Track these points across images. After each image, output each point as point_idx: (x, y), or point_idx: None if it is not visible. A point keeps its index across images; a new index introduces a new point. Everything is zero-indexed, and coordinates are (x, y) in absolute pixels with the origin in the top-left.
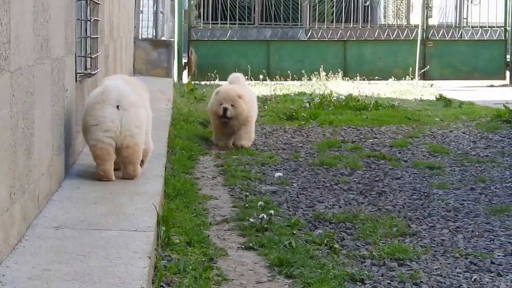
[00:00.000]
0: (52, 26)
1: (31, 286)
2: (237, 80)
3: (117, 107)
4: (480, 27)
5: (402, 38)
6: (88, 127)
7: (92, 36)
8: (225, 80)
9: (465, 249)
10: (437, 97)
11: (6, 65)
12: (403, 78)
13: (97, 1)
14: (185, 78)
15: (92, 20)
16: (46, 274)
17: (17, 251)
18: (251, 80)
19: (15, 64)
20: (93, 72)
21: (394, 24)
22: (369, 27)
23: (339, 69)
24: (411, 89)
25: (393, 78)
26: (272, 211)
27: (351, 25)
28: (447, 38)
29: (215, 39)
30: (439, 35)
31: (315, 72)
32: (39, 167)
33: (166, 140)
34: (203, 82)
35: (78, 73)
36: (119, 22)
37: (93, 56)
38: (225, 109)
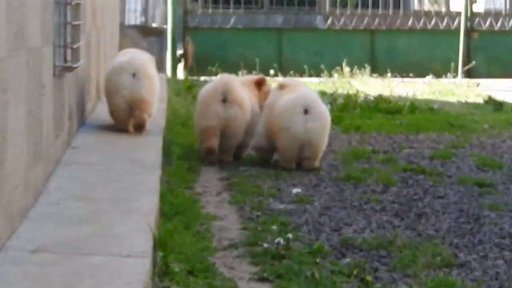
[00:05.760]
0: (28, 11)
1: None
2: None
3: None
4: None
5: (441, 28)
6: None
7: (73, 23)
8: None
9: None
10: (485, 99)
11: None
12: (443, 76)
13: None
14: (181, 73)
15: (72, 3)
16: None
17: None
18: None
19: None
20: (74, 66)
21: (432, 11)
22: (401, 14)
23: (365, 64)
24: (454, 89)
25: (431, 76)
26: (290, 235)
27: (380, 12)
28: (496, 28)
29: (216, 26)
30: (486, 25)
31: (336, 67)
32: (12, 178)
33: (160, 147)
34: (202, 78)
35: (57, 66)
36: (103, 5)
37: (74, 47)
38: None
